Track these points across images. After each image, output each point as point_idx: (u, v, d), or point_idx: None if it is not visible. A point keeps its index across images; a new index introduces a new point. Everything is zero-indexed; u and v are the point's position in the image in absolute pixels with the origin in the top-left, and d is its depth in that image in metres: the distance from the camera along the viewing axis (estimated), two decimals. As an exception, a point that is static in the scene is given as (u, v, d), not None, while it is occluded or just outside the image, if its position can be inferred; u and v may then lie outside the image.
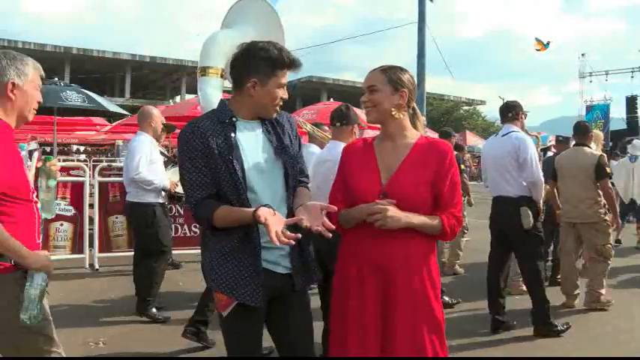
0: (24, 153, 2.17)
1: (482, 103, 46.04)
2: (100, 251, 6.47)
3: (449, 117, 37.40)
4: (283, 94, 2.05)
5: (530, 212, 4.13)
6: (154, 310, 4.49)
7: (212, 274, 2.03)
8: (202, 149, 1.95)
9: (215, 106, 2.15)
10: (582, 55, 33.90)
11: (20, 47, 31.13)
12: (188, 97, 32.68)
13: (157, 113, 4.71)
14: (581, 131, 5.26)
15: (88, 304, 4.88)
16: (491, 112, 47.53)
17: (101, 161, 13.97)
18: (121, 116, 11.86)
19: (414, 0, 13.76)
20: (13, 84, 2.06)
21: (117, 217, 6.53)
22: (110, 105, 9.31)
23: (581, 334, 4.28)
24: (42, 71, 2.21)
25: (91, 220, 6.47)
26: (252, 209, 1.88)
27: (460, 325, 4.34)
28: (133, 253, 6.27)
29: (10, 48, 31.31)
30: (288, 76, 2.09)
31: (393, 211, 1.93)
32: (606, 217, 5.06)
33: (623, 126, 32.77)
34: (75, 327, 4.09)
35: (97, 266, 6.25)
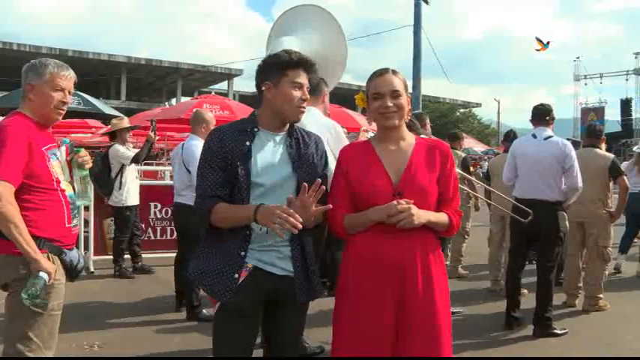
0: (62, 148, 2.43)
1: (478, 105, 46.22)
2: (96, 254, 6.45)
3: (445, 120, 37.29)
4: (302, 94, 2.03)
5: (565, 216, 4.25)
6: (204, 311, 4.47)
7: (193, 262, 2.08)
8: (218, 151, 2.00)
9: None
10: (577, 58, 34.13)
11: (15, 49, 30.97)
12: (184, 99, 32.63)
13: (210, 117, 4.69)
14: (593, 133, 5.38)
15: (83, 307, 4.85)
16: (487, 114, 47.81)
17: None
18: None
19: (411, 2, 13.80)
20: (32, 86, 2.29)
21: (112, 220, 6.50)
22: (106, 107, 9.29)
23: (579, 336, 4.29)
24: (69, 73, 2.36)
25: (86, 222, 6.43)
26: (254, 206, 1.89)
27: (461, 326, 4.33)
28: (128, 256, 6.32)
29: (5, 50, 31.29)
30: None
31: (415, 210, 1.95)
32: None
33: (618, 128, 32.92)
34: (69, 330, 4.05)
35: (92, 269, 6.22)
